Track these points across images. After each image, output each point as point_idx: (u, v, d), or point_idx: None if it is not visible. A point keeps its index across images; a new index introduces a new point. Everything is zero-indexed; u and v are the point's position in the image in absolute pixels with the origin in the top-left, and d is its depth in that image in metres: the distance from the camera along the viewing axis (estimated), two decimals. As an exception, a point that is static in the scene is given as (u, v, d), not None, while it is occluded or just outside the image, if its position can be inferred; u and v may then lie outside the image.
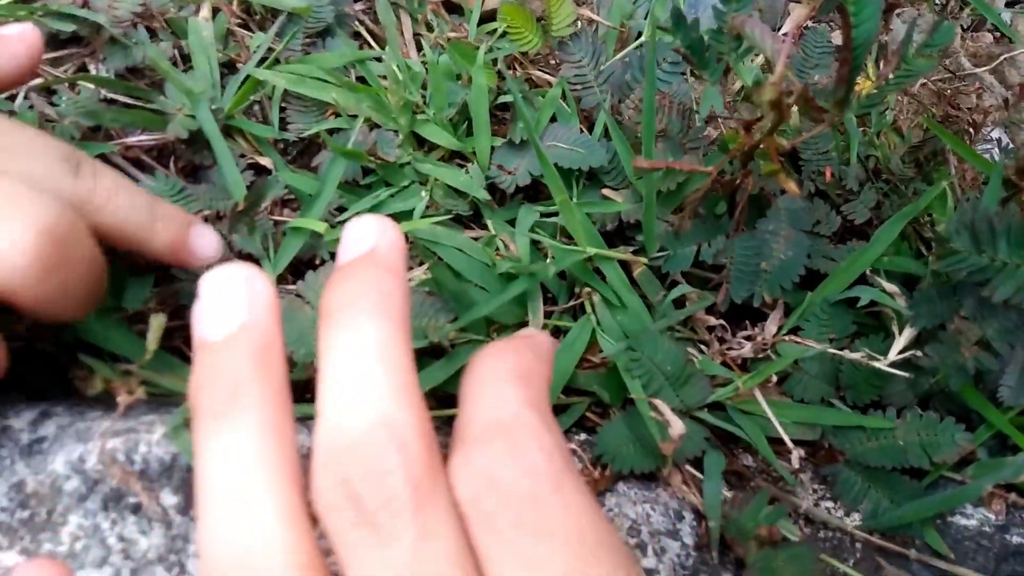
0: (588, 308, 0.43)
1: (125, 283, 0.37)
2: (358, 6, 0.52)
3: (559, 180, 0.42)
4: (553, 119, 0.47)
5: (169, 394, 0.35)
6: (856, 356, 0.41)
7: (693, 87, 0.52)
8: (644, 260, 0.44)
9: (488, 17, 0.52)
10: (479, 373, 0.25)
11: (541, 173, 0.43)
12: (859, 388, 0.42)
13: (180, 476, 0.31)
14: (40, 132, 0.31)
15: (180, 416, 0.32)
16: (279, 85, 0.45)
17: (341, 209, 0.43)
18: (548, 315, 0.43)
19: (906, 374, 0.41)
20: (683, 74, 0.48)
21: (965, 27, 0.68)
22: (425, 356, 0.39)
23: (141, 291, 0.37)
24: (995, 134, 0.57)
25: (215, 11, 0.48)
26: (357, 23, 0.51)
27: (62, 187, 0.30)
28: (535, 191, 0.46)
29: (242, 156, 0.44)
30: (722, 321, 0.44)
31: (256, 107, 0.47)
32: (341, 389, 0.21)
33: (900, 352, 0.41)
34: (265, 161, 0.45)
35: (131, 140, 0.44)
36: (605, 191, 0.45)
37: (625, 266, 0.44)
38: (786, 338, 0.43)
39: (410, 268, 0.42)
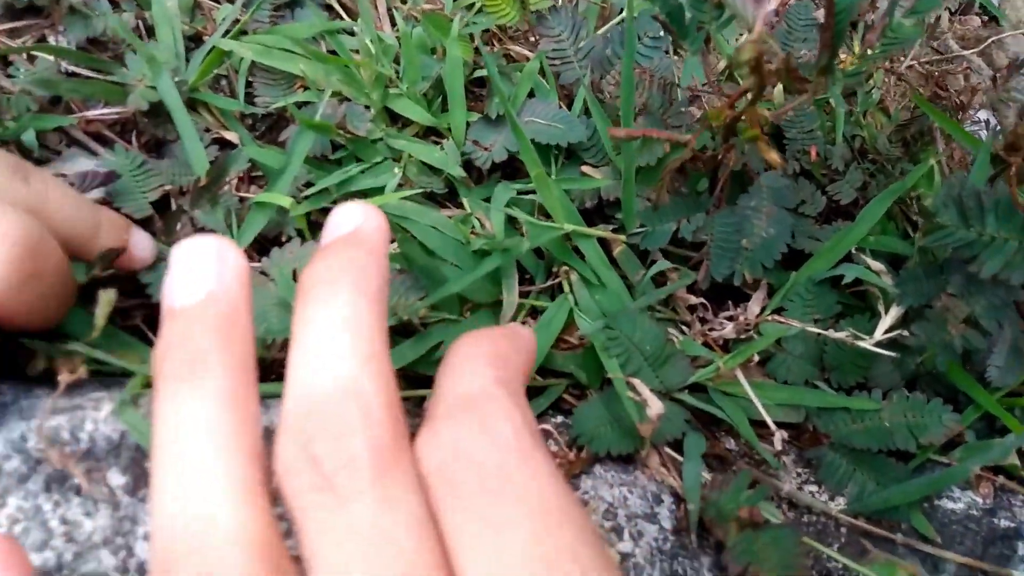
0: (566, 287, 0.42)
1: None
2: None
3: (534, 154, 0.41)
4: (531, 95, 0.46)
5: (122, 373, 0.33)
6: (841, 335, 0.39)
7: (676, 65, 0.51)
8: (623, 238, 0.42)
9: (465, -9, 0.51)
10: (454, 356, 0.25)
11: (518, 149, 0.42)
12: (844, 369, 0.41)
13: (128, 455, 0.29)
14: None
15: (129, 392, 0.30)
16: (245, 56, 0.43)
17: (309, 184, 0.41)
18: (525, 295, 0.42)
19: (892, 354, 0.39)
20: (665, 50, 0.47)
21: (953, 10, 0.67)
22: (396, 335, 0.38)
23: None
24: (982, 115, 0.56)
25: (181, -18, 0.46)
26: (329, -5, 0.50)
27: (16, 197, 0.30)
28: (513, 170, 0.45)
29: (207, 131, 0.43)
30: (703, 300, 0.43)
31: (223, 82, 0.46)
32: (310, 358, 0.21)
33: (886, 331, 0.40)
34: (231, 136, 0.43)
35: (92, 114, 0.42)
36: (584, 168, 0.44)
37: (605, 245, 0.43)
38: (769, 318, 0.41)
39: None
